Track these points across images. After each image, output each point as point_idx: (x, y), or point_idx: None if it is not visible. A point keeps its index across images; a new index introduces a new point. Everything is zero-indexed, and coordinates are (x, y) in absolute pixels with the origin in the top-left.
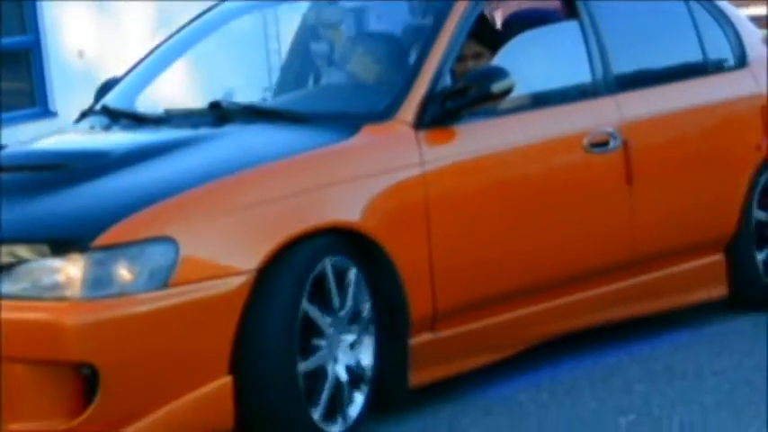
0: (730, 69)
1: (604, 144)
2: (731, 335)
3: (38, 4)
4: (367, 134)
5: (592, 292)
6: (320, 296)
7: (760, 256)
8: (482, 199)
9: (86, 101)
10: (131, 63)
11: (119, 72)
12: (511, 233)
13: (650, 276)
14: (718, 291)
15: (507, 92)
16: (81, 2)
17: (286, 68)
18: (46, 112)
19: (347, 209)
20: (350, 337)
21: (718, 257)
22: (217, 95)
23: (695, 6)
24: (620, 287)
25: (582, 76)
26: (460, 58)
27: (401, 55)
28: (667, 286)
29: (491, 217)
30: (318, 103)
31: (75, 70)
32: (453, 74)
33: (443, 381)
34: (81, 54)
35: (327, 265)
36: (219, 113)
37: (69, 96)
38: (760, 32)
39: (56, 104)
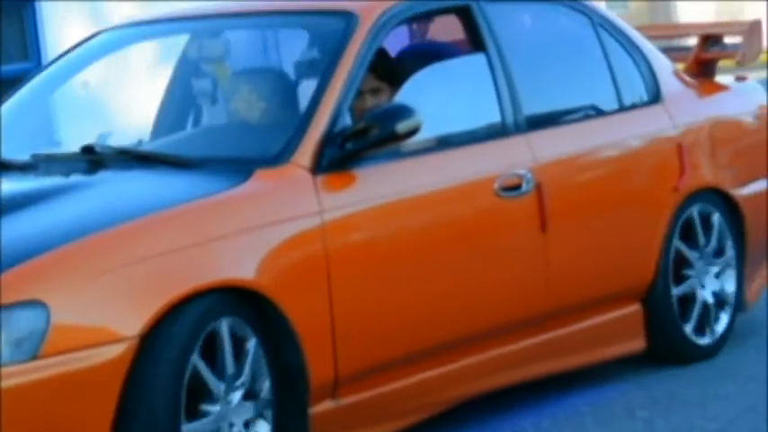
0: (644, 105)
1: (516, 187)
2: (735, 360)
3: (40, 29)
4: (259, 181)
5: (504, 348)
6: (214, 358)
7: (675, 291)
8: (387, 250)
9: (90, 130)
10: (135, 92)
11: (123, 101)
12: (418, 287)
13: (565, 331)
14: (636, 344)
15: (413, 132)
16: (84, 27)
17: (166, 107)
18: (50, 142)
19: (239, 265)
20: (246, 414)
21: (635, 308)
22: (91, 138)
23: (606, 38)
24: (533, 343)
25: (491, 113)
26: (358, 95)
27: (295, 92)
28: (583, 341)
29: (396, 270)
30: (204, 146)
31: (79, 100)
32: (352, 112)
33: None
34: (86, 84)
35: (221, 327)
36: (93, 158)
37: (73, 126)
38: (671, 65)
39: (59, 134)
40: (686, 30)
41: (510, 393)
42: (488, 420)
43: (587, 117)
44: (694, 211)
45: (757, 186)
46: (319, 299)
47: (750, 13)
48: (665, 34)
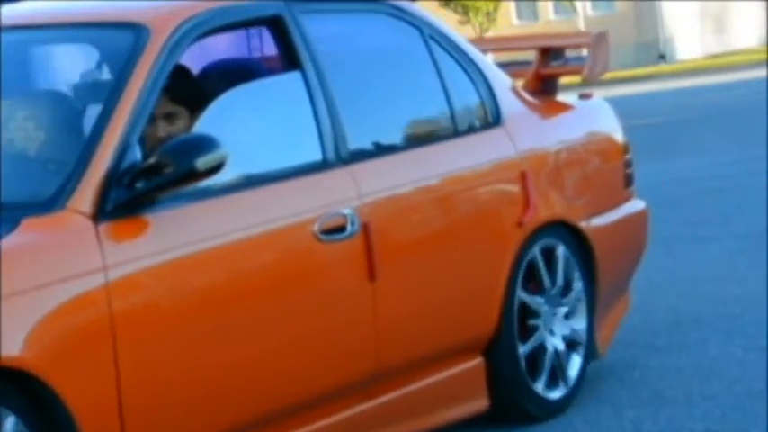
0: (482, 129)
1: (339, 230)
2: (722, 360)
3: None
4: (26, 232)
5: (329, 419)
6: None
7: (523, 349)
8: (185, 310)
9: None
10: None
11: None
12: (226, 352)
13: (398, 393)
14: (478, 403)
15: (216, 168)
16: None
17: None
18: None
19: (2, 338)
20: None
21: (476, 361)
22: None
23: (439, 53)
24: (362, 409)
25: (308, 143)
26: (151, 122)
27: (80, 120)
28: (420, 403)
29: (197, 333)
30: None
31: None
32: (144, 144)
33: None
34: None
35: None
36: None
37: None
38: (511, 82)
39: None
40: (524, 42)
41: None
42: None
43: (420, 144)
44: (537, 251)
45: (609, 217)
46: (102, 373)
47: (735, 12)
48: (501, 47)
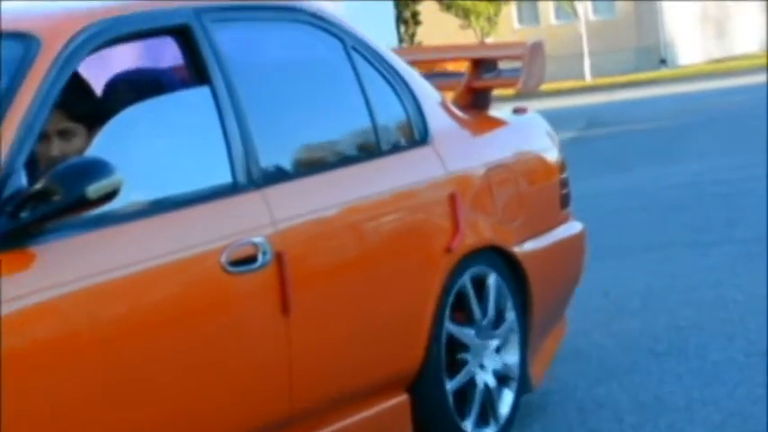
0: (409, 148)
1: (250, 260)
2: (722, 365)
3: None
4: None
5: None
6: None
7: (451, 385)
8: (79, 349)
9: None
10: None
11: None
12: (123, 396)
13: None
14: None
15: (110, 195)
16: None
17: None
18: None
19: None
20: None
21: (401, 399)
22: None
23: (362, 65)
24: None
25: (216, 164)
26: (43, 139)
27: None
28: None
29: (93, 375)
30: None
31: None
32: (34, 165)
33: None
34: None
35: None
36: None
37: None
38: (440, 96)
39: None
40: (455, 53)
41: None
42: None
43: (340, 165)
44: (467, 279)
45: (544, 241)
46: None
47: (736, 17)
48: (430, 58)
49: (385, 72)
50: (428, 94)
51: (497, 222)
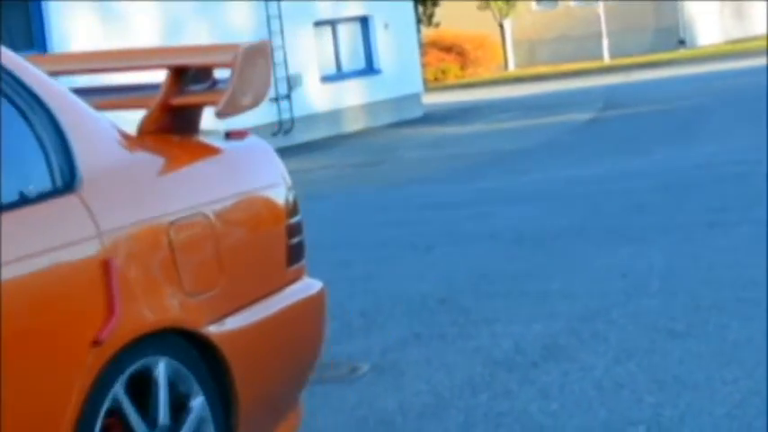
0: (42, 198)
1: None
2: (742, 344)
3: (45, 17)
4: None
5: None
6: None
7: None
8: None
9: None
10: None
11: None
12: None
13: None
14: None
15: None
16: (89, 14)
17: None
18: None
19: None
20: None
21: None
22: None
23: None
24: None
25: None
26: None
27: None
28: None
29: None
30: None
31: (82, 83)
32: None
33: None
34: None
35: None
36: None
37: None
38: (106, 122)
39: None
40: (138, 60)
41: (517, 377)
42: (496, 404)
43: None
44: (121, 383)
45: (258, 312)
46: None
47: (756, 11)
48: (101, 67)
49: (12, 92)
50: (83, 121)
51: (182, 296)
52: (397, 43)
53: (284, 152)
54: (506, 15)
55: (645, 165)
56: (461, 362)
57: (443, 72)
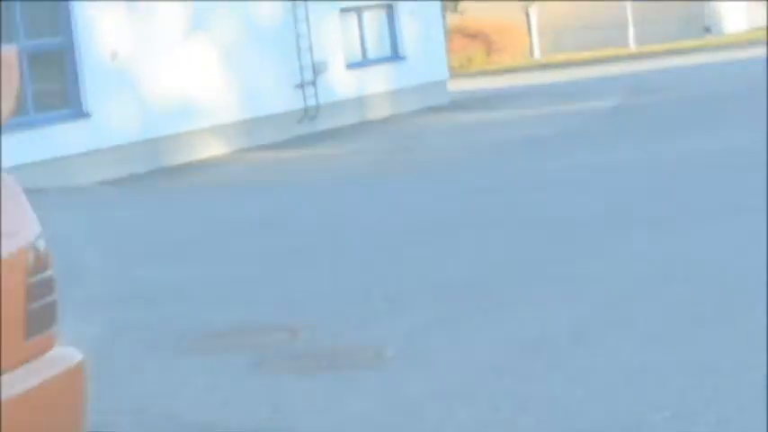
0: None
1: None
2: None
3: (71, 5)
4: None
5: None
6: None
7: None
8: None
9: (119, 101)
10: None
11: (151, 72)
12: None
13: None
14: None
15: None
16: (114, 2)
17: None
18: (80, 113)
19: None
20: None
21: None
22: None
23: None
24: None
25: None
26: None
27: None
28: None
29: None
30: None
31: (108, 71)
32: None
33: None
34: (114, 55)
35: None
36: None
37: (102, 97)
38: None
39: (89, 105)
40: None
41: (542, 362)
42: (522, 388)
43: None
44: None
45: None
46: None
47: None
48: None
49: None
50: None
51: None
52: (422, 30)
53: (310, 138)
54: (532, 3)
55: (671, 151)
56: (487, 346)
57: (469, 59)
